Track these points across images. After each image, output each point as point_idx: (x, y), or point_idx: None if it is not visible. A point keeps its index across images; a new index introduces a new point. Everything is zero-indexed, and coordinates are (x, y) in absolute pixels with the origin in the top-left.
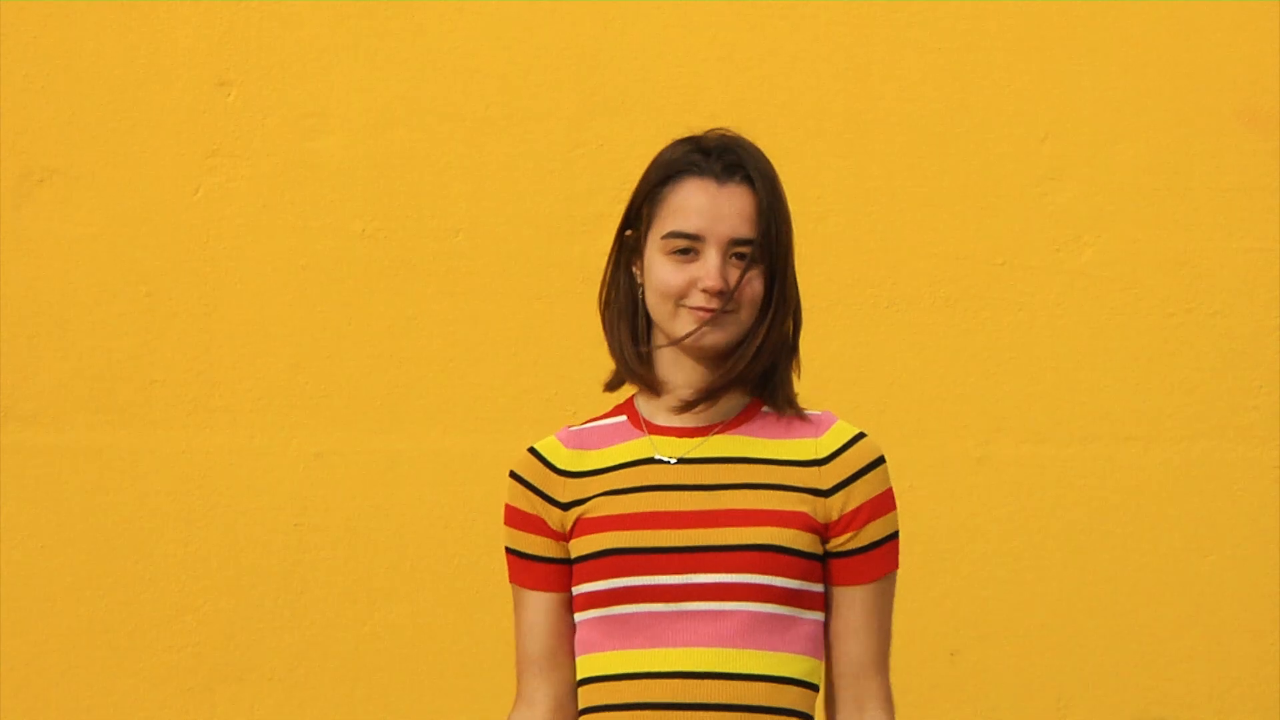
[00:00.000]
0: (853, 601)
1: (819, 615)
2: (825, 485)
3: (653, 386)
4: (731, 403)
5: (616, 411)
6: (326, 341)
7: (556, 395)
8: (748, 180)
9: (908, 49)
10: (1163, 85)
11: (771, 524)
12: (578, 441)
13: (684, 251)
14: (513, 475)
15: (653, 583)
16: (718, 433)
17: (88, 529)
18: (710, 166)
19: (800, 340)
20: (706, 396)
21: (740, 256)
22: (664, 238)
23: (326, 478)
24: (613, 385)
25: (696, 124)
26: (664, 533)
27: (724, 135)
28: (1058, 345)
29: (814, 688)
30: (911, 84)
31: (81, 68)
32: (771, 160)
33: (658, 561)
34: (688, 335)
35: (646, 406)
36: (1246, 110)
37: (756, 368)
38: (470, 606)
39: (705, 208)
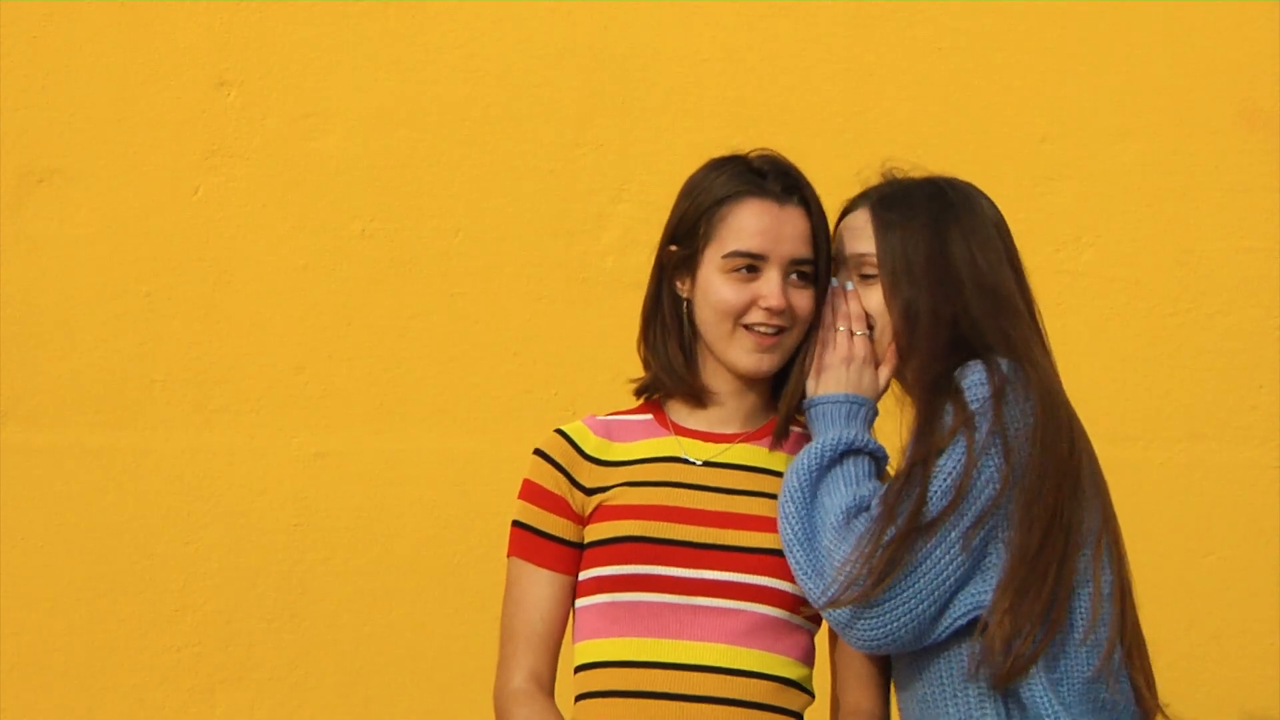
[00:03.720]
0: None
1: (814, 628)
2: None
3: (698, 396)
4: (757, 414)
5: (642, 409)
6: (327, 341)
7: (556, 395)
8: (803, 202)
9: (908, 49)
10: (1163, 85)
11: None
12: (605, 431)
13: (746, 270)
14: (540, 453)
15: (667, 573)
16: (742, 441)
17: (88, 529)
18: (770, 188)
19: None
20: (783, 419)
21: (801, 276)
22: (725, 257)
23: (326, 478)
24: (648, 391)
25: (696, 124)
26: (684, 527)
27: (772, 156)
28: (1057, 345)
29: (811, 694)
30: (911, 84)
31: (81, 68)
32: None
33: (675, 554)
34: (747, 367)
35: (675, 409)
36: (1246, 110)
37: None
38: (470, 607)
39: (768, 228)
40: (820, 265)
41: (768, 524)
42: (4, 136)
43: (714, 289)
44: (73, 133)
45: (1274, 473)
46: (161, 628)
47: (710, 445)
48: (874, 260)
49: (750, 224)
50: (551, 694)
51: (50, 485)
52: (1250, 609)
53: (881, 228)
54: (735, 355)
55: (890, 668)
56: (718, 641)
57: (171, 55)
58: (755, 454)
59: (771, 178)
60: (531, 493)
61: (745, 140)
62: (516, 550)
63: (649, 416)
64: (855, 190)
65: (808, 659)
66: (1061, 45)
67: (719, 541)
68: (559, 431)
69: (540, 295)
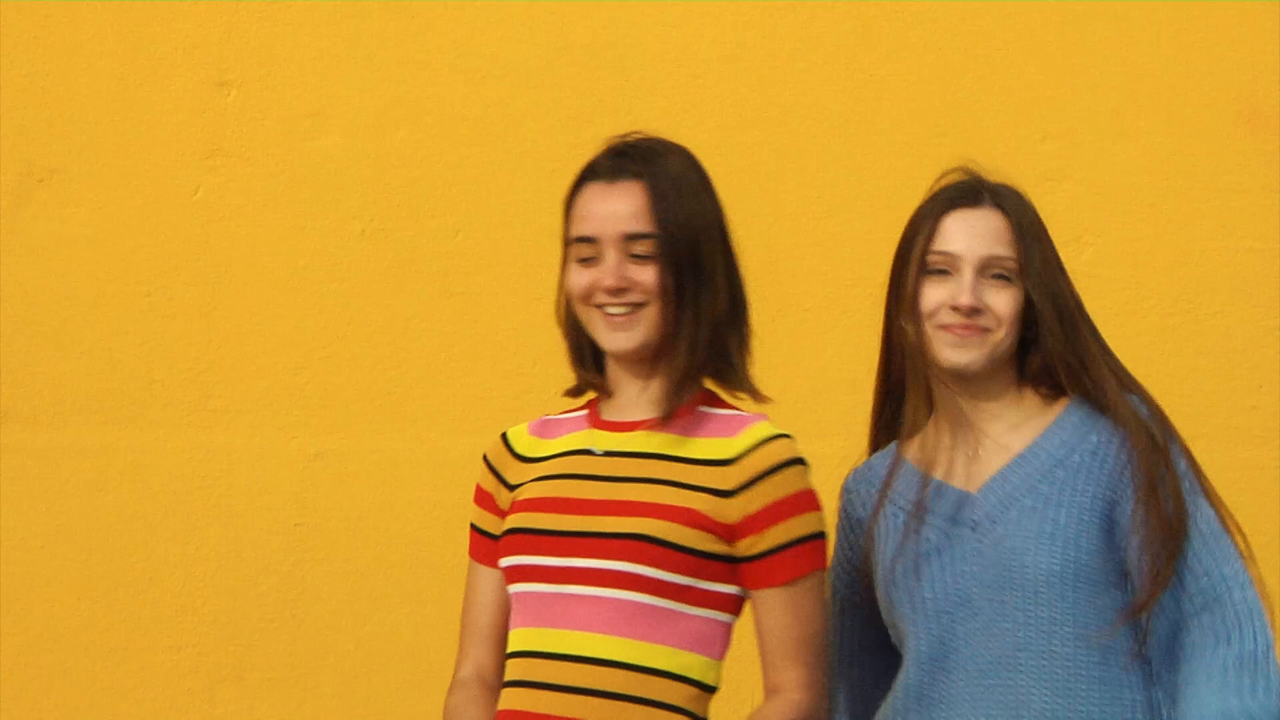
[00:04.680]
0: (767, 603)
1: (717, 614)
2: (728, 486)
3: (605, 390)
4: (662, 399)
5: (584, 406)
6: (326, 341)
7: (556, 395)
8: (636, 177)
9: (908, 49)
10: (1163, 85)
11: (652, 516)
12: (541, 430)
13: (588, 255)
14: (484, 456)
15: (541, 563)
16: (646, 429)
17: (88, 529)
18: (599, 169)
19: (755, 322)
20: (667, 405)
21: (636, 254)
22: (568, 246)
23: (326, 478)
24: (574, 392)
25: (696, 124)
26: (559, 516)
27: (623, 137)
28: None
29: (703, 687)
30: (911, 84)
31: (81, 68)
32: (758, 159)
33: (545, 543)
34: (609, 347)
35: (601, 401)
36: (1246, 110)
37: (696, 362)
38: None
39: (594, 211)
40: (662, 238)
41: (641, 509)
42: (4, 136)
43: (566, 277)
44: (73, 133)
45: (1274, 473)
46: (161, 628)
47: (616, 435)
48: (1013, 264)
49: (581, 209)
50: (492, 686)
51: (50, 485)
52: None
53: (1019, 234)
54: (599, 337)
55: (823, 643)
56: (588, 630)
57: (171, 55)
58: (650, 440)
59: (603, 158)
60: (476, 494)
61: (745, 140)
62: (470, 550)
63: (584, 412)
64: (852, 190)
65: (699, 647)
66: (1061, 45)
67: (584, 529)
68: (502, 435)
69: (540, 295)
